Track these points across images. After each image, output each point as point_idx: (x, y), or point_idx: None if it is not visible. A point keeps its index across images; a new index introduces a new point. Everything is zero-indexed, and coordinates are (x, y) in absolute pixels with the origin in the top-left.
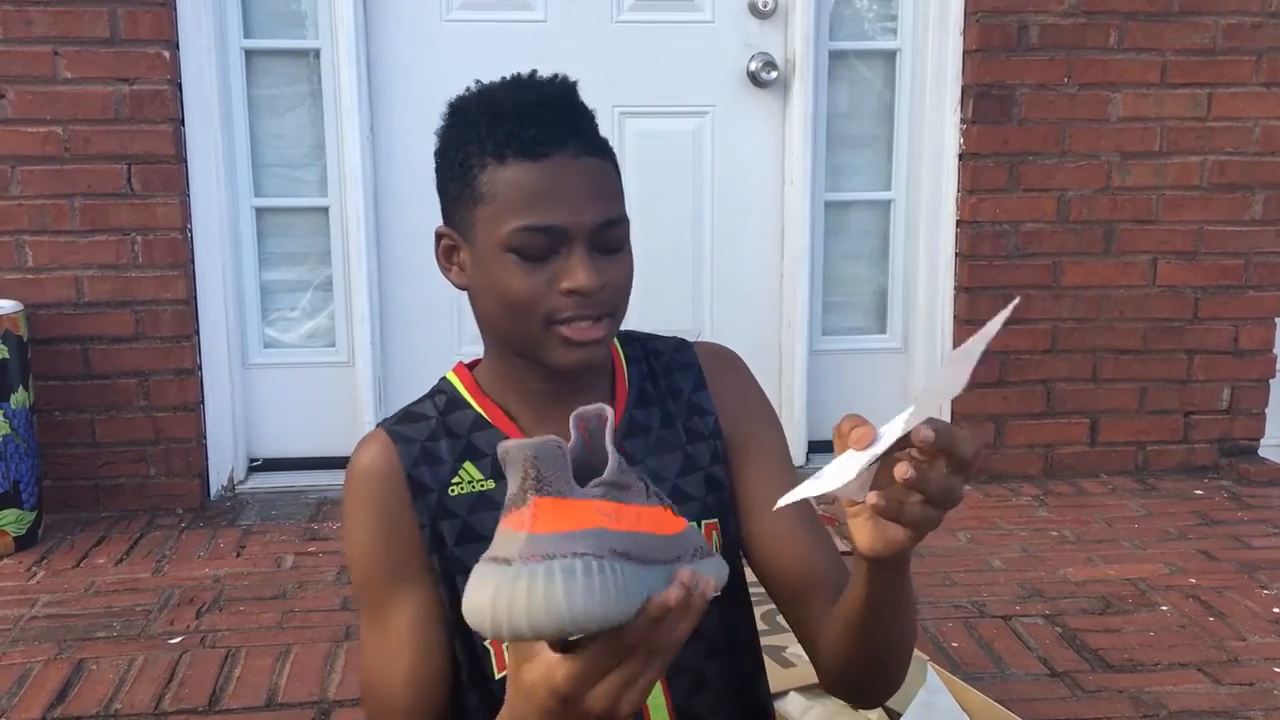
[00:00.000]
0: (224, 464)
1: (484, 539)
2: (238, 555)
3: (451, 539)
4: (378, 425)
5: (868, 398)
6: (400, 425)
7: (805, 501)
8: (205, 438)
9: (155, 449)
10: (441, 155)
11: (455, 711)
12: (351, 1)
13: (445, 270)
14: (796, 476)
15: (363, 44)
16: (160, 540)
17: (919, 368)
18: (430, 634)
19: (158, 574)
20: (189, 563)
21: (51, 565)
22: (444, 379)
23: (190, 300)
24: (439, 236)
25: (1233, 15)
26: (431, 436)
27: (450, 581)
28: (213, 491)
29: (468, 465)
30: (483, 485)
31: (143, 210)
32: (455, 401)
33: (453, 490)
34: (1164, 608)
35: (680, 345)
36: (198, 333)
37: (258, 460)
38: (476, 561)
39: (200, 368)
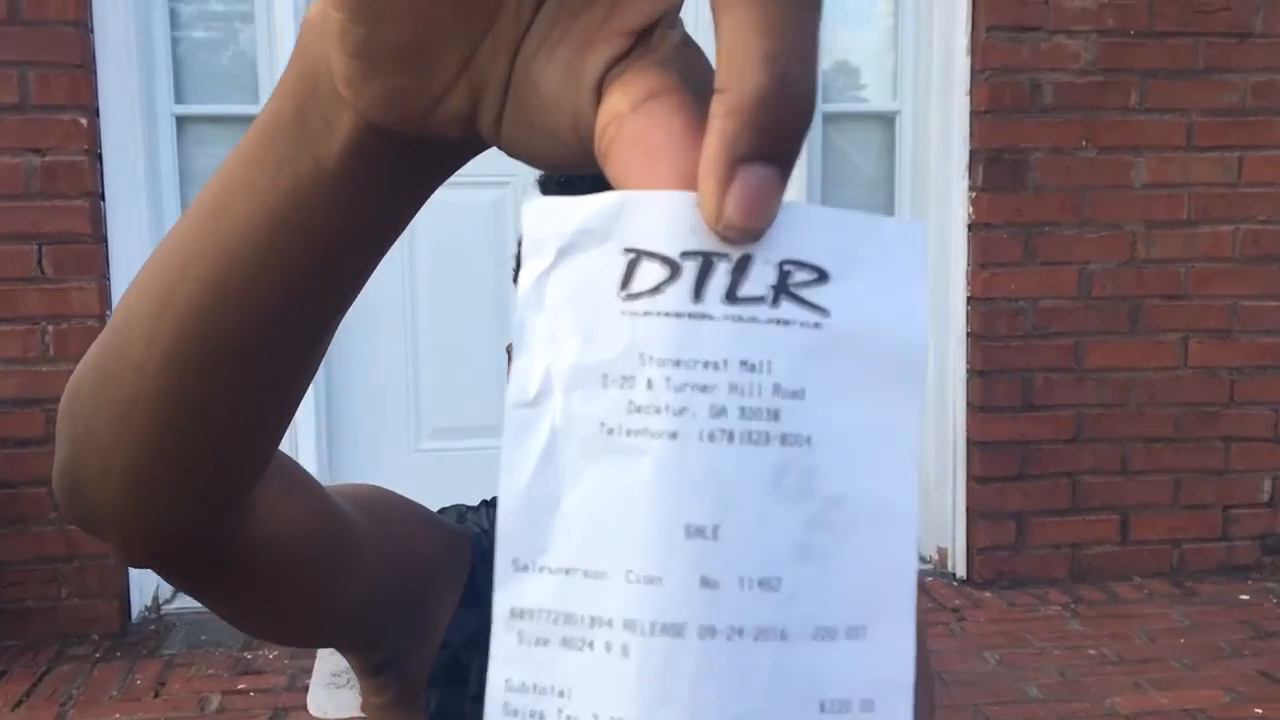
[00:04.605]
0: (147, 582)
1: None
2: (156, 695)
3: None
4: None
5: None
6: None
7: None
8: None
9: (68, 567)
10: None
11: None
12: None
13: None
14: None
15: None
16: (69, 675)
17: (930, 460)
18: None
19: None
20: (98, 705)
21: None
22: None
23: None
24: None
25: (1262, 72)
26: None
27: None
28: (134, 613)
29: None
30: None
31: (55, 296)
32: None
33: None
34: None
35: None
36: None
37: None
38: None
39: None
